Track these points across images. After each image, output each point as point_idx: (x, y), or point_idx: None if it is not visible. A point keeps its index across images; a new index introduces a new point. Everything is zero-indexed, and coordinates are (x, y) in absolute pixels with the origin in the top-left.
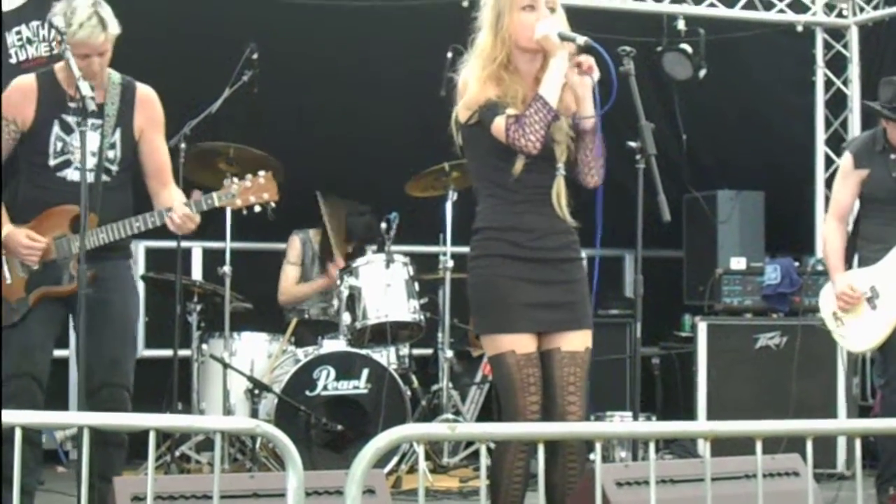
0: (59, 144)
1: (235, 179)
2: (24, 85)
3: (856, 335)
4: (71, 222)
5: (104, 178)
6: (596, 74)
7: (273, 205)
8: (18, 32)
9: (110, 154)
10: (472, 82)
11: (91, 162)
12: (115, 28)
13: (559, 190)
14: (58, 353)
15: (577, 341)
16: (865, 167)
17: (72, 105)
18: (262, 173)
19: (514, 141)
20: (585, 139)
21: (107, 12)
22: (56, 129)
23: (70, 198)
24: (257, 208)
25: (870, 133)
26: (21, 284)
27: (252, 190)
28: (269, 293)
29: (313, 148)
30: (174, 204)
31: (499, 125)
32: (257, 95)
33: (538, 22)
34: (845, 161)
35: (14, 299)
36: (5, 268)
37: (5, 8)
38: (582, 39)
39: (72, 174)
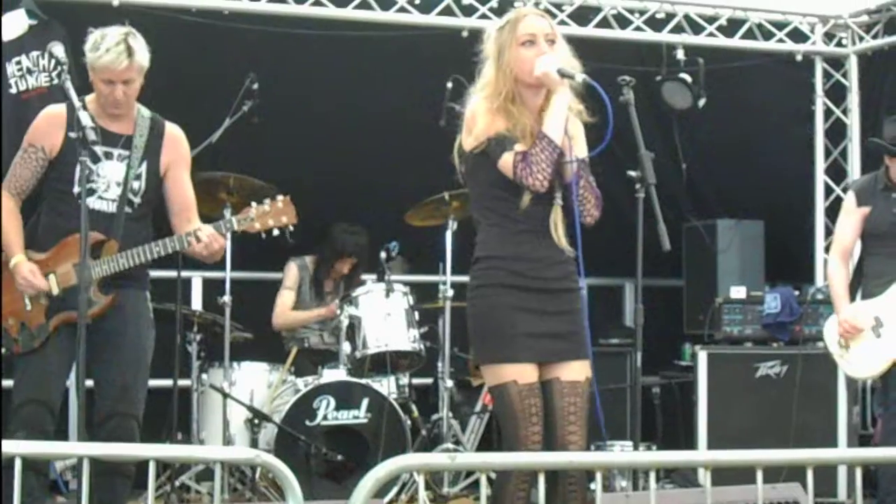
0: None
1: (254, 204)
2: (53, 114)
3: (860, 362)
4: (91, 249)
5: (126, 209)
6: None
7: (292, 228)
8: (18, 63)
9: (135, 185)
10: (480, 115)
11: (115, 192)
12: (142, 58)
13: (556, 220)
14: None
15: (578, 371)
16: (867, 205)
17: (71, 135)
18: (280, 197)
19: (522, 179)
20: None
21: (138, 43)
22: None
23: (91, 226)
24: (276, 232)
25: (872, 174)
26: (41, 311)
27: (271, 214)
28: (269, 323)
29: (313, 177)
30: (200, 226)
31: (507, 162)
32: (258, 125)
33: (538, 58)
34: (848, 200)
35: (34, 325)
36: (26, 295)
37: (5, 38)
38: (580, 77)
39: (95, 202)
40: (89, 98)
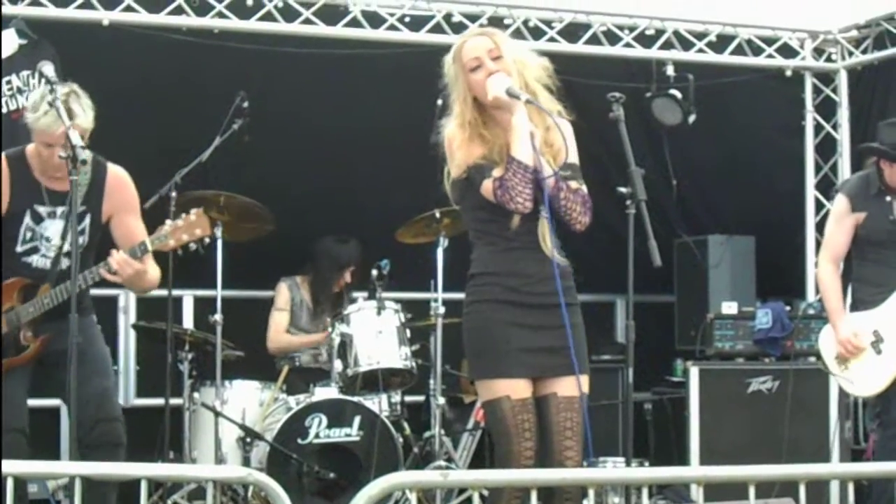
0: (29, 234)
1: (168, 221)
2: None
3: (861, 380)
4: (19, 293)
5: (65, 261)
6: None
7: (207, 240)
8: (9, 82)
9: (79, 240)
10: (457, 144)
11: (53, 250)
12: (84, 120)
13: (544, 232)
14: (48, 402)
15: (574, 386)
16: (862, 210)
17: (61, 154)
18: (193, 210)
19: (505, 204)
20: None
21: (80, 103)
22: (27, 219)
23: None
24: (192, 246)
25: (862, 175)
26: None
27: (184, 228)
28: (261, 341)
29: (303, 195)
30: (112, 253)
31: (487, 188)
32: (248, 143)
33: (487, 81)
34: (840, 204)
35: None
36: None
37: None
38: (524, 97)
39: (38, 260)
40: (30, 151)
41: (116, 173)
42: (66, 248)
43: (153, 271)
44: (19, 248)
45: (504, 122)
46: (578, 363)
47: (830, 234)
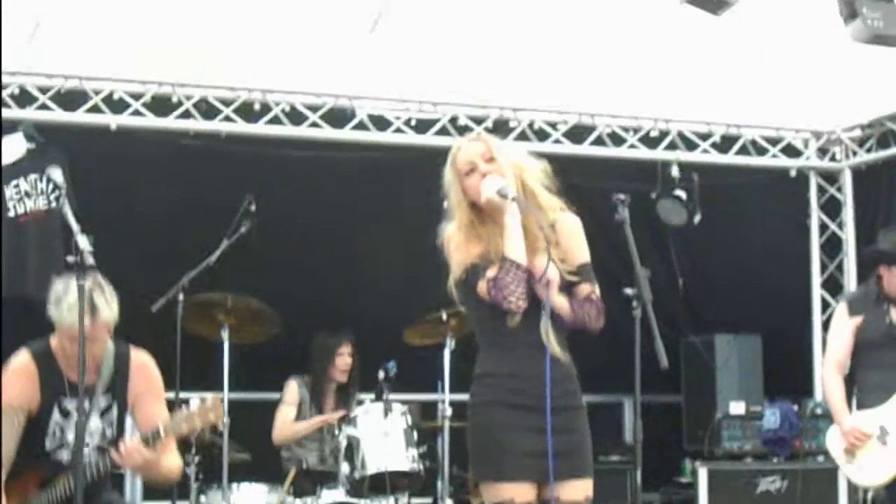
0: (58, 430)
1: (184, 406)
2: (21, 369)
3: (869, 470)
4: (38, 485)
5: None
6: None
7: (221, 427)
8: (17, 186)
9: (108, 432)
10: (455, 246)
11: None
12: (108, 316)
13: (548, 329)
14: None
15: (578, 490)
16: (859, 314)
17: (69, 259)
18: (208, 397)
19: (499, 304)
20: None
21: (103, 298)
22: (56, 415)
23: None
24: (206, 434)
25: (862, 286)
26: None
27: (198, 414)
28: (268, 444)
29: (311, 297)
30: (127, 443)
31: (481, 289)
32: (255, 246)
33: (481, 183)
34: (840, 310)
35: None
36: None
37: (3, 162)
38: (512, 195)
39: (66, 456)
40: (54, 344)
41: (139, 359)
42: (97, 442)
43: (171, 461)
44: (49, 446)
45: (500, 223)
46: (582, 467)
47: (832, 338)
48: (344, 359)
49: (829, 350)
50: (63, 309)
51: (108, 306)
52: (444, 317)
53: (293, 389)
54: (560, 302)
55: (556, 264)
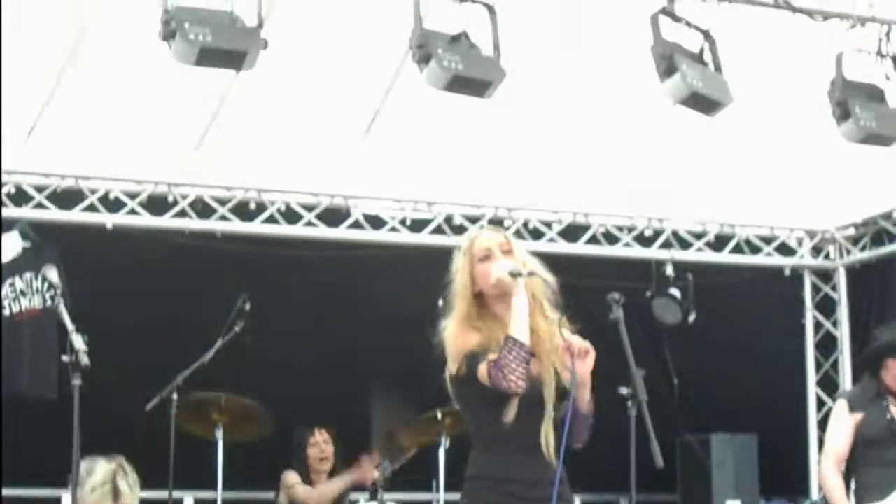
0: None
1: None
2: None
3: None
4: None
5: None
6: (591, 358)
7: None
8: (12, 284)
9: None
10: (453, 338)
11: None
12: (131, 498)
13: (548, 432)
14: None
15: None
16: (860, 411)
17: (64, 358)
18: None
19: (498, 384)
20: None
21: (127, 481)
22: None
23: None
24: None
25: (859, 384)
26: None
27: None
28: None
29: (306, 396)
30: None
31: (482, 371)
32: (250, 345)
33: (492, 265)
34: (839, 406)
35: None
36: None
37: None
38: (525, 271)
39: None
40: None
41: None
42: None
43: None
44: None
45: (502, 318)
46: None
47: (831, 434)
48: (318, 448)
49: (828, 446)
50: (86, 490)
51: (132, 491)
52: (440, 416)
53: (292, 475)
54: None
55: (559, 371)
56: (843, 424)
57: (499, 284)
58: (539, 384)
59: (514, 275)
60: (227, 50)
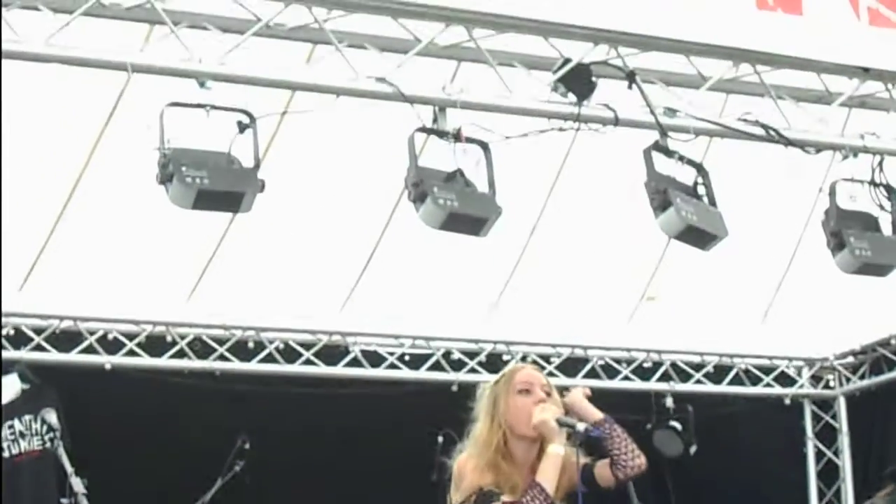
0: None
1: None
2: None
3: None
4: None
5: None
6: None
7: None
8: (11, 427)
9: None
10: (468, 471)
11: None
12: None
13: None
14: None
15: None
16: None
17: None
18: None
19: None
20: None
21: None
22: None
23: None
24: None
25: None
26: None
27: None
28: None
29: None
30: None
31: None
32: (250, 484)
33: (535, 407)
34: None
35: None
36: None
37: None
38: (582, 426)
39: None
40: None
41: None
42: None
43: None
44: None
45: (522, 460)
46: None
47: None
48: None
49: None
50: None
51: None
52: None
53: None
54: None
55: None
56: None
57: (541, 427)
58: None
59: (564, 425)
60: (225, 192)
